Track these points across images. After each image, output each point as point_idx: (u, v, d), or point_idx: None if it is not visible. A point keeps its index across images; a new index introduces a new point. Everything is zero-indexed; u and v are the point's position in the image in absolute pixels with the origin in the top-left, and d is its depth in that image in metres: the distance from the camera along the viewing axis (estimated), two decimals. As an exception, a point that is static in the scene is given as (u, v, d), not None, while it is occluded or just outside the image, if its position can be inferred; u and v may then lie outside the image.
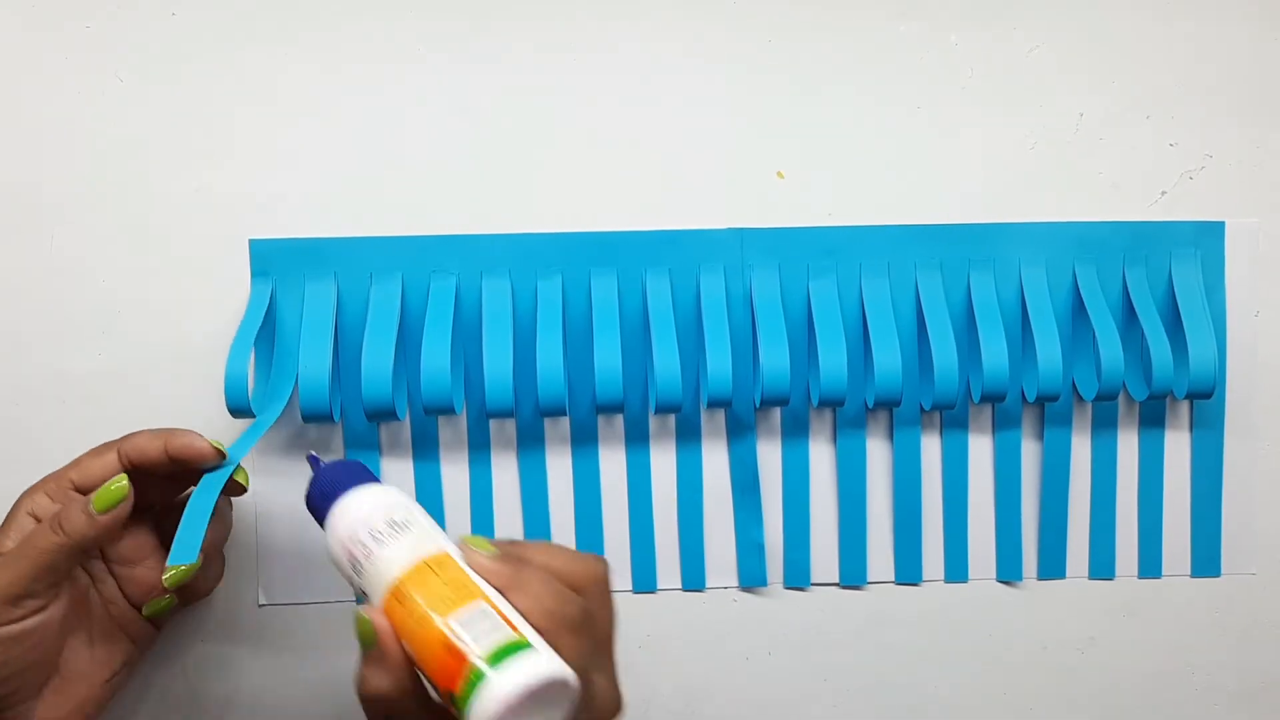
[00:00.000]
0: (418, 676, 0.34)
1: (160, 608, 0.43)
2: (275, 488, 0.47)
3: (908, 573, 0.50)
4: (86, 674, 0.41)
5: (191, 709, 0.48)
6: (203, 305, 0.47)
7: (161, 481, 0.42)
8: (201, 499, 0.40)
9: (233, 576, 0.47)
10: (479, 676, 0.31)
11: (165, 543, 0.42)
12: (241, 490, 0.42)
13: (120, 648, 0.42)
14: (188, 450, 0.41)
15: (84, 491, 0.41)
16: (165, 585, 0.38)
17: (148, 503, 0.42)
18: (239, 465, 0.42)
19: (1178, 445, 0.50)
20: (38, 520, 0.40)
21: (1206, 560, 0.51)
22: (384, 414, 0.44)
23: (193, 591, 0.44)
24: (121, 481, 0.40)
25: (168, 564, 0.38)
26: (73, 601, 0.41)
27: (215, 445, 0.41)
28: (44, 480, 0.41)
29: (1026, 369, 0.48)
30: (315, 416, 0.44)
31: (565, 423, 0.48)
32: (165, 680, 0.48)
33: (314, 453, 0.40)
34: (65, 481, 0.41)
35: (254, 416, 0.44)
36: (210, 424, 0.46)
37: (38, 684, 0.40)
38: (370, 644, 0.34)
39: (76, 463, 0.41)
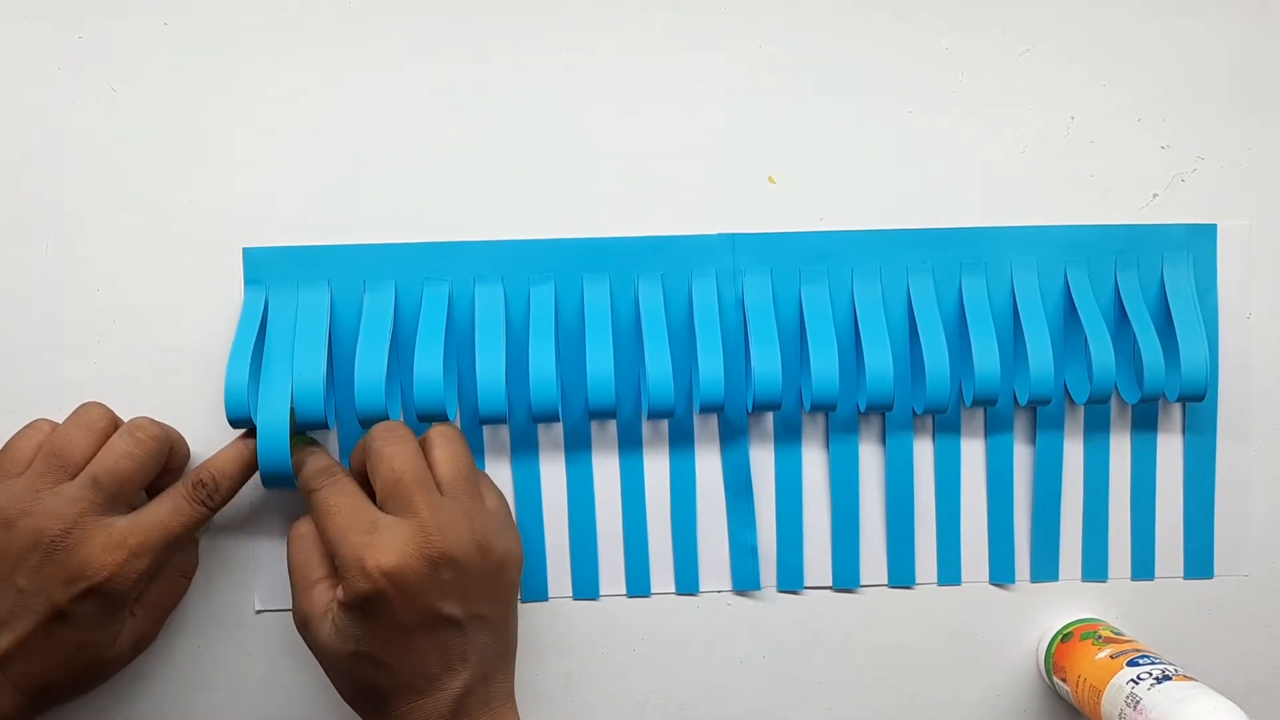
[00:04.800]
0: None
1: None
2: (270, 493, 0.47)
3: (901, 576, 0.50)
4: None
5: (188, 715, 0.48)
6: (197, 313, 0.47)
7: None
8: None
9: (229, 583, 0.48)
10: None
11: None
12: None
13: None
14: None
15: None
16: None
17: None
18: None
19: (1170, 448, 0.50)
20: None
21: (1199, 562, 0.51)
22: (378, 420, 0.44)
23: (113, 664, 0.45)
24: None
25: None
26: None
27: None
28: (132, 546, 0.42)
29: (1018, 372, 0.48)
30: (310, 423, 0.44)
31: (558, 428, 0.48)
32: (162, 687, 0.48)
33: None
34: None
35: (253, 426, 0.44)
36: (206, 431, 0.47)
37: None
38: None
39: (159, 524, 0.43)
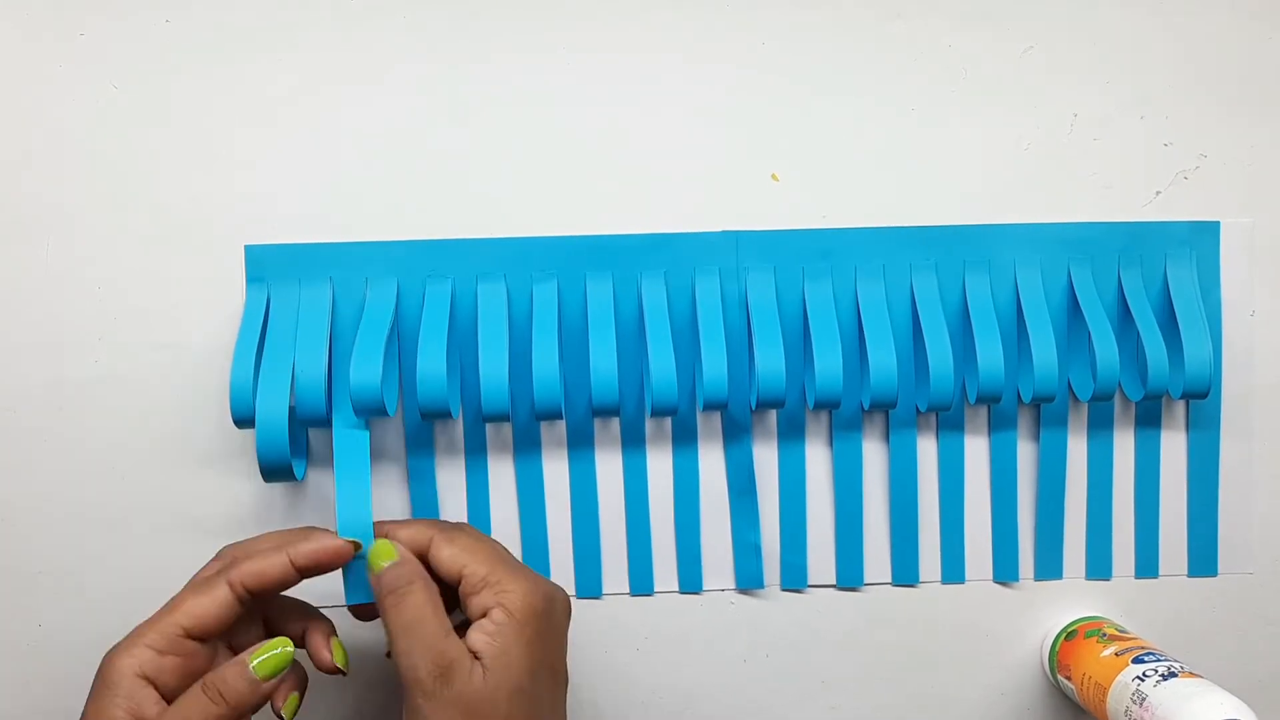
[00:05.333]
0: None
1: (295, 708, 0.39)
2: (273, 490, 0.47)
3: (904, 574, 0.50)
4: None
5: (190, 714, 0.48)
6: (199, 311, 0.47)
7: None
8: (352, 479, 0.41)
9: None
10: None
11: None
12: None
13: None
14: (326, 558, 0.39)
15: (196, 637, 0.37)
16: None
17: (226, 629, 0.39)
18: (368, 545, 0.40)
19: (1174, 445, 0.50)
20: (152, 683, 0.36)
21: (1203, 560, 0.51)
22: (378, 416, 0.44)
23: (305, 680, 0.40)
24: (287, 648, 0.37)
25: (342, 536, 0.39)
26: None
27: (348, 541, 0.39)
28: (139, 632, 0.37)
29: (1022, 370, 0.48)
30: (311, 421, 0.44)
31: (561, 426, 0.48)
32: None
33: None
34: (173, 629, 0.37)
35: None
36: (208, 429, 0.47)
37: None
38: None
39: (178, 604, 0.37)
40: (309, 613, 0.42)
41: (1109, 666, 0.45)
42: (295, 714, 0.39)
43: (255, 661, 0.37)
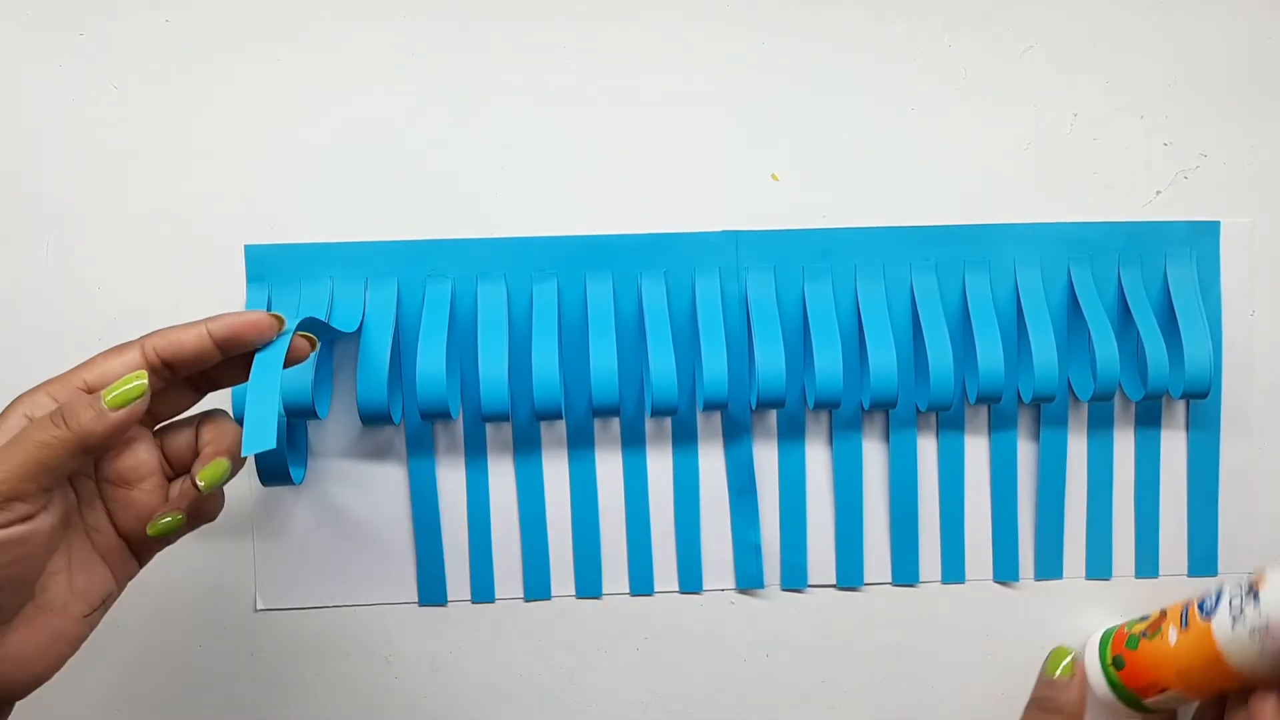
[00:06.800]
0: None
1: (168, 528, 0.36)
2: (273, 491, 0.47)
3: (905, 574, 0.50)
4: (64, 605, 0.35)
5: (187, 714, 0.48)
6: (199, 311, 0.46)
7: (177, 392, 0.37)
8: (265, 377, 0.36)
9: (230, 581, 0.48)
10: None
11: (172, 464, 0.37)
12: (306, 353, 0.38)
13: (101, 581, 0.36)
14: (242, 328, 0.36)
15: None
16: (202, 483, 0.35)
17: (155, 415, 0.37)
18: (298, 326, 0.37)
19: (1174, 445, 0.50)
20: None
21: (1203, 560, 0.51)
22: (380, 419, 0.44)
23: (202, 512, 0.37)
24: (141, 378, 0.34)
25: (244, 450, 0.34)
26: (61, 517, 0.34)
27: (272, 314, 0.37)
28: (47, 382, 0.35)
29: (1022, 370, 0.48)
30: (301, 415, 0.44)
31: (561, 426, 0.48)
32: (161, 684, 0.48)
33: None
34: (74, 381, 0.35)
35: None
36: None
37: (12, 607, 0.34)
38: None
39: (90, 363, 0.36)
40: (231, 428, 0.38)
41: (1194, 644, 0.43)
42: (218, 483, 0.36)
43: (108, 394, 0.34)
